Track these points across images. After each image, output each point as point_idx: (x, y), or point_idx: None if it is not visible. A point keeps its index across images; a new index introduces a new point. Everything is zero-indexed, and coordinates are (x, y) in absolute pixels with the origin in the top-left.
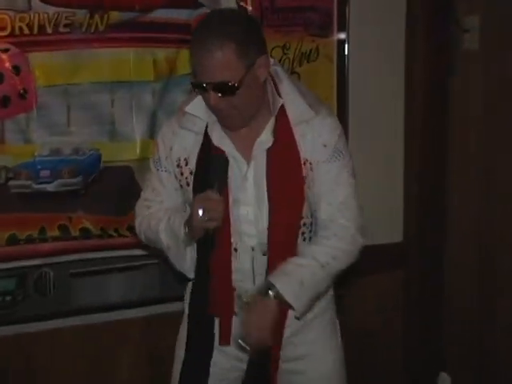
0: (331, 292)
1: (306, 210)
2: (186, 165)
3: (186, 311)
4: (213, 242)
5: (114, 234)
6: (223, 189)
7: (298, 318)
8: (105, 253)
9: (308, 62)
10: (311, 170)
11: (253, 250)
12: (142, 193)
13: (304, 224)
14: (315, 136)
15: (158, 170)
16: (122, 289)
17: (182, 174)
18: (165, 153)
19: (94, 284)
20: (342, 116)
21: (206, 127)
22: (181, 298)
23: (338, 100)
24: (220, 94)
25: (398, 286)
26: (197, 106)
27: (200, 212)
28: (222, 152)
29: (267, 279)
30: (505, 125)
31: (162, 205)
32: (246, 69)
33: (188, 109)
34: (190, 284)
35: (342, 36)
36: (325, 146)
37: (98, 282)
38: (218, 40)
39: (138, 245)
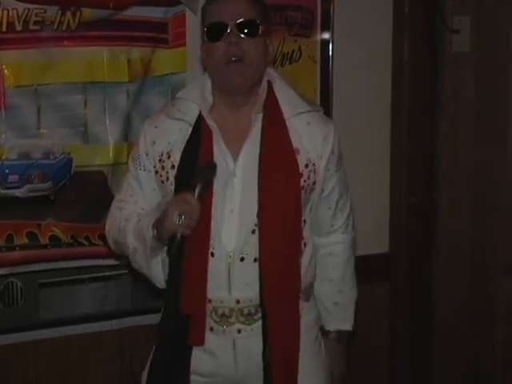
0: (315, 310)
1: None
2: (169, 158)
3: None
4: (178, 249)
5: (85, 243)
6: (204, 196)
7: None
8: (75, 262)
9: (290, 62)
10: (314, 172)
11: (230, 256)
12: (117, 193)
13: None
14: (318, 138)
15: (136, 168)
16: (93, 300)
17: (163, 168)
18: (145, 148)
19: (64, 295)
20: None
21: (197, 119)
22: (155, 310)
23: (321, 102)
24: (242, 33)
25: (384, 298)
26: (190, 92)
27: (175, 214)
28: (211, 152)
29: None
30: (496, 130)
31: (137, 205)
32: (265, 28)
33: (181, 94)
34: None
35: (326, 36)
36: (333, 153)
37: (68, 292)
38: None
39: (110, 254)
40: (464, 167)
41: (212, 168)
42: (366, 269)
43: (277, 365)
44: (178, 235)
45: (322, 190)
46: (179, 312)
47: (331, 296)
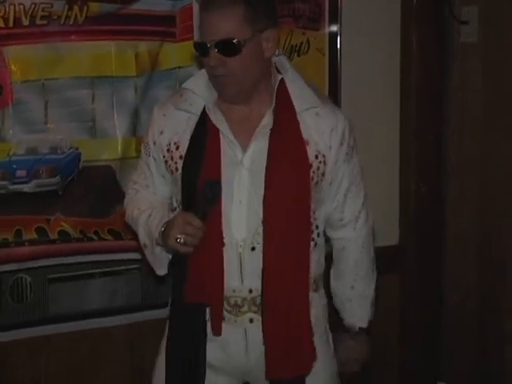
0: (324, 301)
1: (311, 205)
2: (177, 149)
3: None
4: (182, 264)
5: (95, 238)
6: (207, 217)
7: None
8: (85, 257)
9: (298, 55)
10: (324, 164)
11: (240, 245)
12: (133, 174)
13: (312, 223)
14: (326, 129)
15: (146, 154)
16: (102, 295)
17: (172, 158)
18: (153, 138)
19: (74, 290)
20: None
21: (204, 110)
22: (165, 305)
23: (329, 95)
24: (221, 54)
25: (393, 290)
26: (196, 83)
27: (177, 235)
28: (218, 142)
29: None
30: (503, 120)
31: (148, 189)
32: (251, 34)
33: (186, 84)
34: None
35: (334, 28)
36: (342, 144)
37: (78, 287)
38: None
39: (120, 249)
40: (471, 157)
41: (215, 187)
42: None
43: (270, 354)
44: (181, 254)
45: (331, 182)
46: (192, 302)
47: (344, 292)
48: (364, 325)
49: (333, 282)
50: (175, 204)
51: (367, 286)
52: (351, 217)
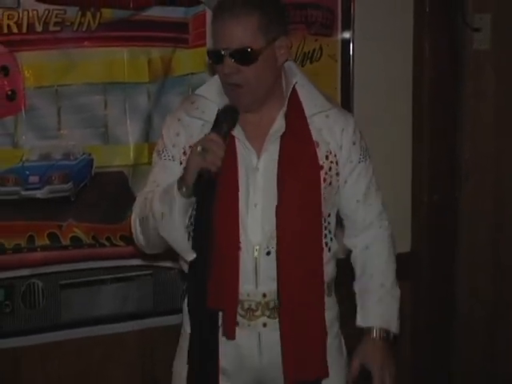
0: (337, 306)
1: (324, 209)
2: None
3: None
4: (208, 186)
5: (107, 243)
6: (228, 136)
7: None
8: (97, 263)
9: (311, 62)
10: (336, 164)
11: (256, 249)
12: (141, 190)
13: (325, 228)
14: (337, 129)
15: (163, 159)
16: (114, 301)
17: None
18: (171, 140)
19: (86, 296)
20: None
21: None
22: (176, 311)
23: (342, 102)
24: (236, 62)
25: (405, 297)
26: (208, 89)
27: (198, 150)
28: (233, 148)
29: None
30: None
31: None
32: (265, 43)
33: (199, 91)
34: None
35: (347, 35)
36: (354, 143)
37: (90, 293)
38: (243, 7)
39: (132, 255)
40: (484, 164)
41: (234, 111)
42: None
43: (288, 358)
44: (205, 173)
45: (346, 181)
46: (208, 306)
47: (374, 291)
48: (394, 329)
49: (359, 286)
50: None
51: (395, 284)
52: (374, 216)
